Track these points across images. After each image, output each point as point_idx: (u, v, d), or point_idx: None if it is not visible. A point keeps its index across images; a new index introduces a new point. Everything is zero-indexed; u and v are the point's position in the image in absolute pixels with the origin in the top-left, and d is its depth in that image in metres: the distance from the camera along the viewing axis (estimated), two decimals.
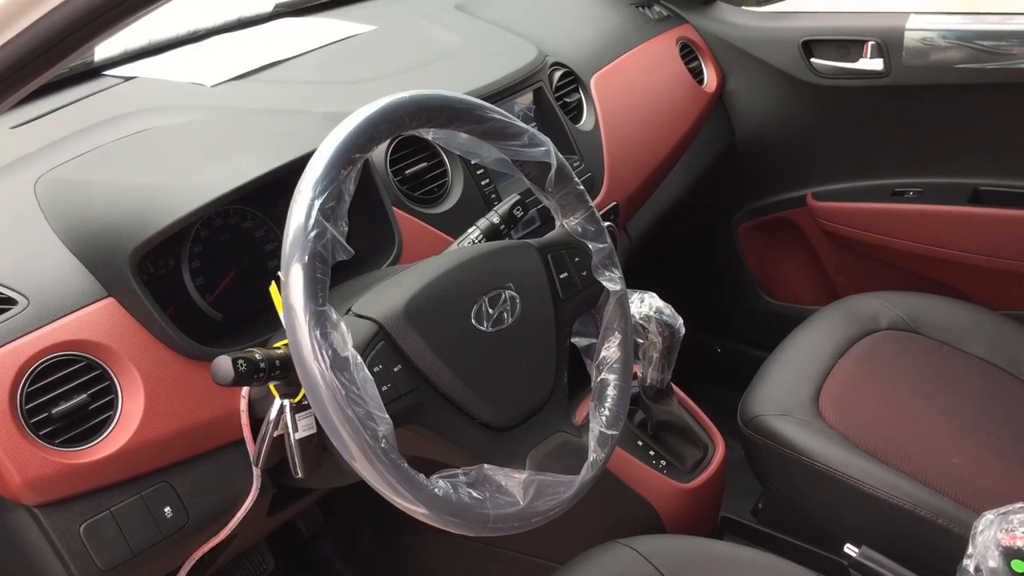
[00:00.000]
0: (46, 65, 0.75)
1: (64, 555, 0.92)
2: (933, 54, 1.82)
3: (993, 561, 1.04)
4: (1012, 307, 1.83)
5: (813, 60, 1.97)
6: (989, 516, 1.08)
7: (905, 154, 1.99)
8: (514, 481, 0.91)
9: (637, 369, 1.41)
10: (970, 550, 1.07)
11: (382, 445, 0.81)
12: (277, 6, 1.75)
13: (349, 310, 0.91)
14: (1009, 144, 1.87)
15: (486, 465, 0.91)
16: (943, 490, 1.29)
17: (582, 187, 1.07)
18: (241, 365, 0.85)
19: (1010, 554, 1.03)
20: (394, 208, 1.22)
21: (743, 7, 2.08)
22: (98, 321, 0.96)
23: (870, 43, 1.88)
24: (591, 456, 0.99)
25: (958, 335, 1.60)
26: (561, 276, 1.04)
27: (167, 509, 0.98)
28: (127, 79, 1.43)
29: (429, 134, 0.98)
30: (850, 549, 1.21)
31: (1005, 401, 1.48)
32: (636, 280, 1.31)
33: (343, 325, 0.82)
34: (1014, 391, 1.50)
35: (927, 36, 1.81)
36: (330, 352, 0.79)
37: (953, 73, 1.81)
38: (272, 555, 1.67)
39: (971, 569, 1.06)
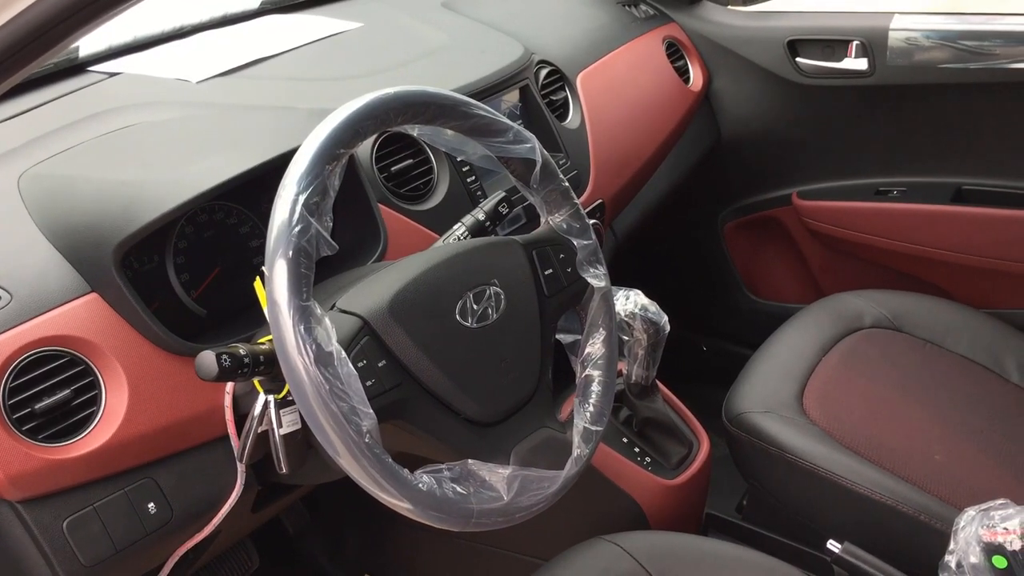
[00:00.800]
0: (27, 59, 0.75)
1: (47, 551, 0.92)
2: (917, 54, 1.83)
3: (974, 557, 1.05)
4: (995, 306, 1.84)
5: (798, 59, 1.98)
6: (970, 512, 1.09)
7: (889, 153, 2.00)
8: (498, 476, 0.91)
9: (622, 366, 1.42)
10: (952, 546, 1.08)
11: (366, 440, 0.81)
12: (263, 3, 1.75)
13: (334, 306, 0.91)
14: (992, 144, 1.88)
15: (470, 460, 0.91)
16: (925, 487, 1.30)
17: (567, 184, 1.07)
18: (225, 360, 0.85)
19: (991, 550, 1.04)
20: (380, 205, 1.22)
21: (729, 6, 2.09)
22: (81, 317, 0.96)
23: (854, 43, 1.89)
24: (575, 452, 1.00)
25: (941, 333, 1.61)
26: (546, 272, 1.04)
27: (151, 505, 0.98)
28: (112, 75, 1.42)
29: (415, 130, 0.98)
30: (833, 545, 1.22)
31: (987, 399, 1.49)
32: (621, 277, 1.31)
33: (327, 320, 0.82)
34: (996, 389, 1.51)
35: (911, 36, 1.82)
36: (314, 347, 0.79)
37: (937, 73, 1.82)
38: (257, 552, 1.66)
39: (952, 565, 1.07)
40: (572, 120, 1.65)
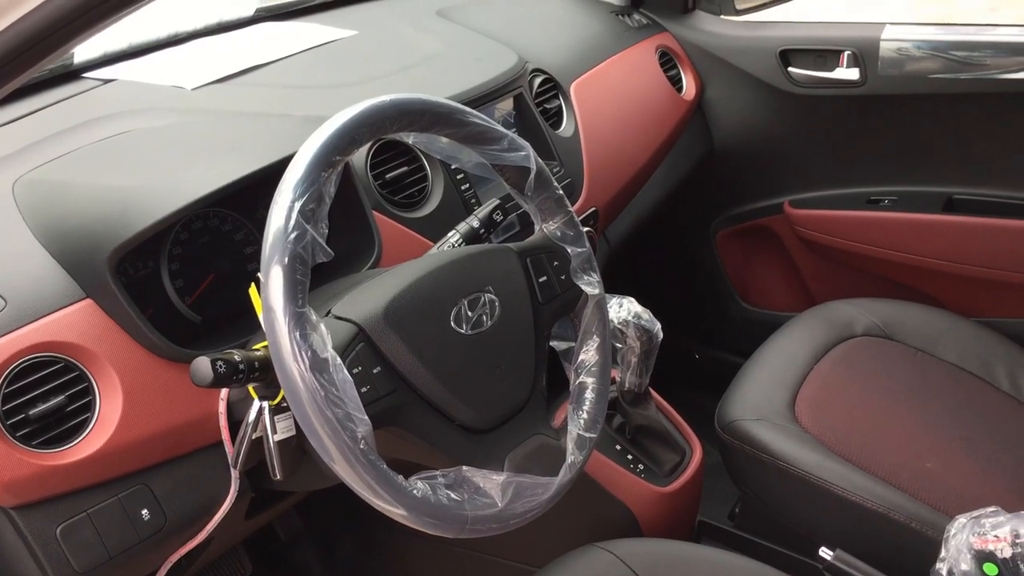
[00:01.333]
0: (24, 67, 0.75)
1: (40, 557, 0.92)
2: (908, 64, 1.84)
3: (965, 564, 1.05)
4: (985, 314, 1.85)
5: (790, 69, 1.99)
6: (961, 520, 1.10)
7: (880, 163, 2.01)
8: (492, 483, 0.91)
9: (615, 373, 1.42)
10: (943, 553, 1.09)
11: (361, 446, 0.81)
12: (258, 10, 1.75)
13: (329, 312, 0.92)
14: (983, 153, 1.89)
15: (465, 467, 0.91)
16: (917, 494, 1.31)
17: (561, 192, 1.08)
18: (220, 366, 0.85)
19: (982, 557, 1.05)
20: (374, 212, 1.22)
21: (722, 16, 2.10)
22: (76, 323, 0.96)
23: (846, 53, 1.90)
24: (569, 458, 1.00)
25: (932, 342, 1.62)
26: (540, 280, 1.05)
27: (144, 511, 0.97)
28: (107, 81, 1.42)
29: (410, 138, 0.99)
30: (825, 552, 1.22)
31: (978, 407, 1.50)
32: (615, 285, 1.31)
33: (323, 327, 0.82)
34: (987, 397, 1.52)
35: (902, 46, 1.83)
36: (309, 353, 0.79)
37: (928, 83, 1.83)
38: (250, 560, 1.66)
39: (944, 572, 1.07)
40: (566, 128, 1.66)
